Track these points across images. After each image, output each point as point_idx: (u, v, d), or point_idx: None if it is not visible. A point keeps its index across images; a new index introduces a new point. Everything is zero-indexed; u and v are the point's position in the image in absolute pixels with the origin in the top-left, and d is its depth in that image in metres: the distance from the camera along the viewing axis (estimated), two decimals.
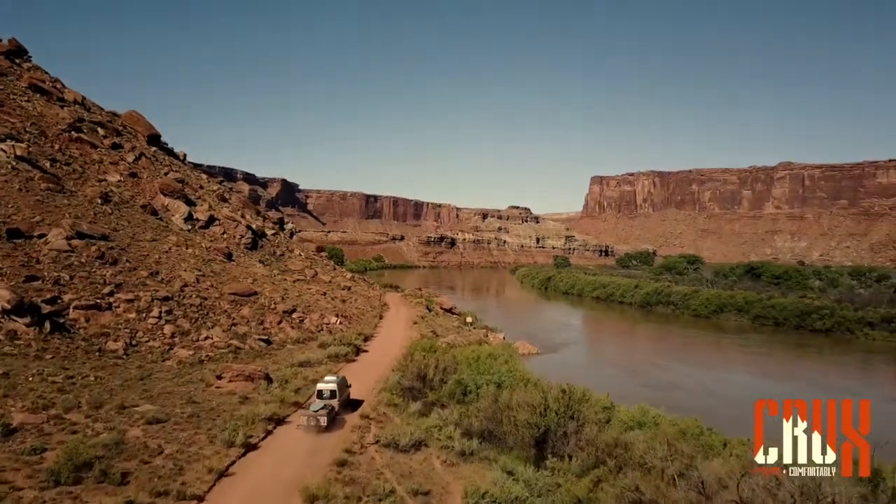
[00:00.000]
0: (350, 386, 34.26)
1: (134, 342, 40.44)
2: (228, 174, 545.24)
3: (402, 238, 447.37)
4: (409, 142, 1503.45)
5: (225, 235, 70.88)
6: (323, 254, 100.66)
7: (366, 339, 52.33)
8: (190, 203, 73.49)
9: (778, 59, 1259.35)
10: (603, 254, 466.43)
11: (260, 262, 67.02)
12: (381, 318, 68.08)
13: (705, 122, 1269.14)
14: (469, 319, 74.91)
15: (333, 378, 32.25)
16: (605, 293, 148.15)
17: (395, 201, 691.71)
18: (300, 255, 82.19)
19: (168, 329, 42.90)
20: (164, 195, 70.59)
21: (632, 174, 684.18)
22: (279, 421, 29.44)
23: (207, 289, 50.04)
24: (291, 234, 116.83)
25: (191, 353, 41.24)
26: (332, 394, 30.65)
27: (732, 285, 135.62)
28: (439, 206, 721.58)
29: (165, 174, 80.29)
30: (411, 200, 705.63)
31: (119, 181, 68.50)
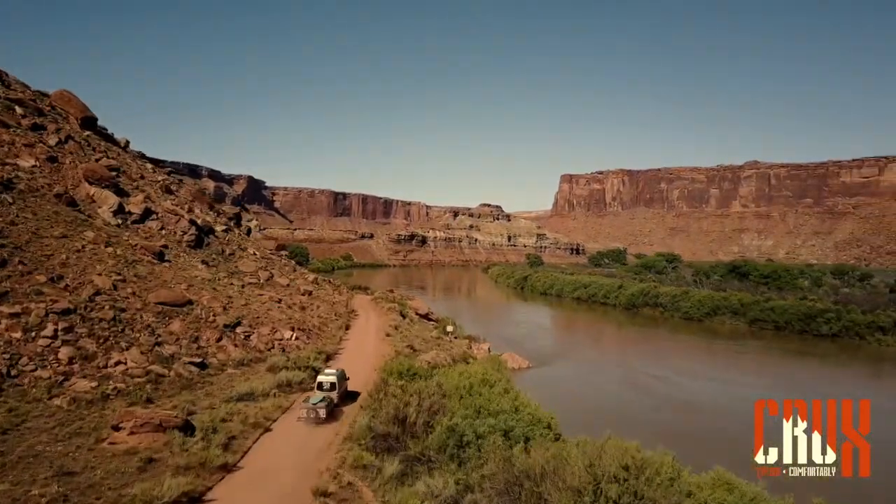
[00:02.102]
0: (349, 378, 35.26)
1: (13, 372, 30.16)
2: (193, 170, 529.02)
3: (372, 236, 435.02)
4: (378, 140, 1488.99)
5: (163, 231, 60.17)
6: (283, 253, 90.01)
7: (328, 359, 42.68)
8: (123, 193, 62.63)
9: (745, 59, 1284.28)
10: (574, 252, 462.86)
11: (203, 262, 56.51)
12: (347, 328, 58.14)
13: (674, 122, 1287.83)
14: (450, 328, 65.64)
15: (333, 371, 33.12)
16: (587, 294, 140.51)
17: (364, 199, 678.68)
18: (254, 254, 71.55)
19: (65, 352, 32.60)
20: (90, 183, 59.54)
21: (601, 172, 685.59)
22: (195, 500, 19.90)
23: (127, 297, 39.70)
24: (248, 231, 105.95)
25: (93, 385, 31.10)
26: (332, 386, 31.57)
27: (720, 285, 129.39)
28: (409, 203, 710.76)
29: (97, 161, 69.10)
30: (381, 198, 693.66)
31: (33, 166, 57.20)
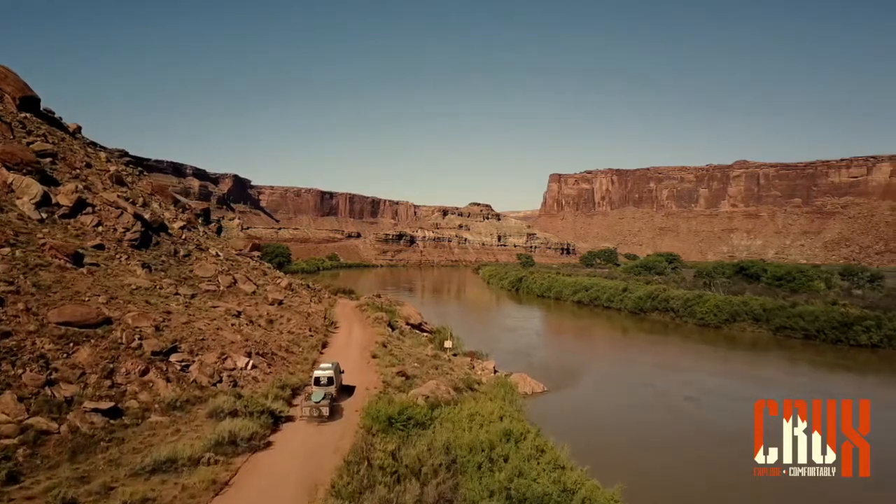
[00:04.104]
0: (343, 371, 35.40)
1: None
2: (178, 169, 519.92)
3: (359, 235, 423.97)
4: (366, 139, 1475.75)
5: (100, 228, 49.35)
6: (254, 254, 79.07)
7: (294, 395, 32.31)
8: (53, 182, 51.77)
9: (734, 59, 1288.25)
10: (565, 252, 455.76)
11: (144, 266, 45.69)
12: (323, 347, 47.25)
13: (663, 121, 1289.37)
14: (448, 344, 55.37)
15: (329, 364, 32.56)
16: (589, 297, 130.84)
17: (352, 198, 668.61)
18: (217, 255, 60.68)
19: None
20: (8, 169, 48.57)
21: (590, 172, 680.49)
22: None
23: (16, 316, 29.01)
24: (220, 230, 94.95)
25: None
26: (329, 381, 31.02)
27: (730, 288, 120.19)
28: (397, 203, 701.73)
29: (29, 144, 58.16)
30: (368, 197, 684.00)
31: None
